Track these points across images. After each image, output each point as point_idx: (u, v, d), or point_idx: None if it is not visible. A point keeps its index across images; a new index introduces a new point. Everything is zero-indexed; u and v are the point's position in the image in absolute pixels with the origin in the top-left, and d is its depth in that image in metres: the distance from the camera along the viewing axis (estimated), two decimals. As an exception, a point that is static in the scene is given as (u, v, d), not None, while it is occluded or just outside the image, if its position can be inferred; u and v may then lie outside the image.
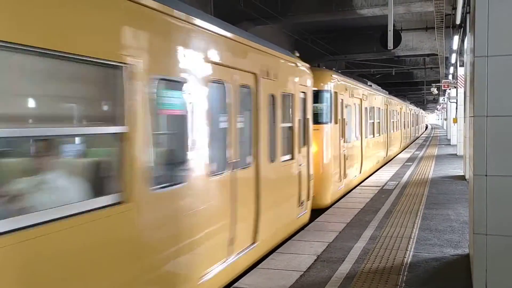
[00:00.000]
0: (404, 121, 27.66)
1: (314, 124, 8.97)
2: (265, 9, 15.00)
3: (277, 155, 6.70)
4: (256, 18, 15.20)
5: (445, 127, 56.78)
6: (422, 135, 49.74)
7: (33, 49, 2.76)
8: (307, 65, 8.60)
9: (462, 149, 17.13)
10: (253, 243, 5.86)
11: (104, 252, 3.30)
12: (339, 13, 16.04)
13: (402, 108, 26.82)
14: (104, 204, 3.30)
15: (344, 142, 11.26)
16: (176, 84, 4.29)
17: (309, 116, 8.42)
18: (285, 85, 7.15)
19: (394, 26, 12.19)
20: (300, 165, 7.79)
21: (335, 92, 10.61)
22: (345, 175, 11.43)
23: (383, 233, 7.12)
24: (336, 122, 10.55)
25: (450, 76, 24.61)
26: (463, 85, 16.90)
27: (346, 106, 11.58)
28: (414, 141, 34.47)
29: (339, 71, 13.28)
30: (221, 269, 4.96)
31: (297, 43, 21.64)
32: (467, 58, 12.26)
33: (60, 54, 2.94)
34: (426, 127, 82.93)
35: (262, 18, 15.32)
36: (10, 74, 2.84)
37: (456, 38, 14.77)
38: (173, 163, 4.32)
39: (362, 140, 13.94)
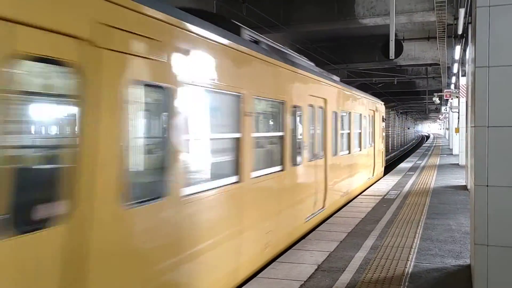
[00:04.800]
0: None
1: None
2: (267, 18, 15.08)
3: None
4: (259, 27, 15.28)
5: (447, 137, 56.67)
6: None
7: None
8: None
9: (464, 159, 17.10)
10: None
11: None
12: (341, 22, 16.11)
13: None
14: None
15: None
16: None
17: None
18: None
19: (396, 35, 12.28)
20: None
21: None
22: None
23: (384, 243, 7.09)
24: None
25: (452, 86, 24.64)
26: (465, 95, 16.93)
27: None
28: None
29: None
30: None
31: (299, 52, 21.69)
32: (468, 68, 12.27)
33: None
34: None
35: (264, 27, 15.39)
36: None
37: (458, 48, 14.83)
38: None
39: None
